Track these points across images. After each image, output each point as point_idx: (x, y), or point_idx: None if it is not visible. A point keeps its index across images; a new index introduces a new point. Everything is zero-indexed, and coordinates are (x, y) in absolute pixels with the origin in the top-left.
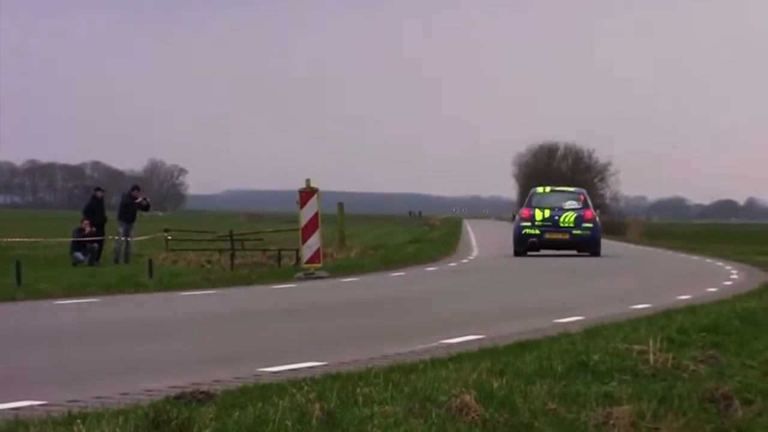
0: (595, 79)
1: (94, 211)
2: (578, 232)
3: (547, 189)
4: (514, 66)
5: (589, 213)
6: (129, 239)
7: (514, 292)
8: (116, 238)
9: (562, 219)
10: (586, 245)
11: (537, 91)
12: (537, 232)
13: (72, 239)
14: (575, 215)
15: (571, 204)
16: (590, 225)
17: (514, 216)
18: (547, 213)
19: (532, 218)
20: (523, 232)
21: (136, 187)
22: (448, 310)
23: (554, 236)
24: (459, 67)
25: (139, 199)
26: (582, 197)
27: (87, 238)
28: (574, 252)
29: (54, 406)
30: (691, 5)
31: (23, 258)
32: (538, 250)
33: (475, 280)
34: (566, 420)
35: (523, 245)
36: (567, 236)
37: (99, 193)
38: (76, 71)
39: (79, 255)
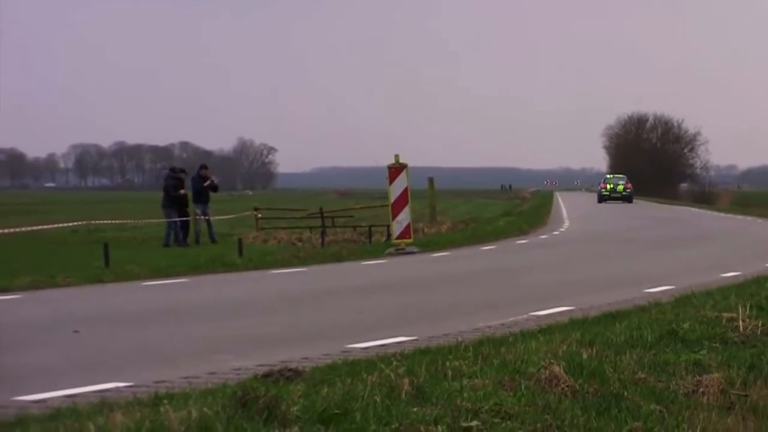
0: (683, 47)
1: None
2: (624, 193)
3: (609, 175)
4: (603, 37)
5: (629, 186)
6: (209, 218)
7: (604, 263)
8: (196, 218)
9: (617, 188)
10: (627, 199)
11: (626, 61)
12: (607, 193)
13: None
14: (623, 186)
15: (620, 182)
16: (629, 190)
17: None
18: (610, 186)
19: (606, 187)
20: (602, 194)
21: (203, 167)
22: (538, 283)
23: (614, 195)
24: (549, 40)
25: (207, 182)
26: (625, 178)
27: (175, 219)
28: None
29: (141, 387)
30: None
31: (111, 240)
32: (606, 201)
33: (566, 251)
34: (656, 389)
35: (602, 199)
36: (619, 195)
37: (182, 174)
38: (163, 53)
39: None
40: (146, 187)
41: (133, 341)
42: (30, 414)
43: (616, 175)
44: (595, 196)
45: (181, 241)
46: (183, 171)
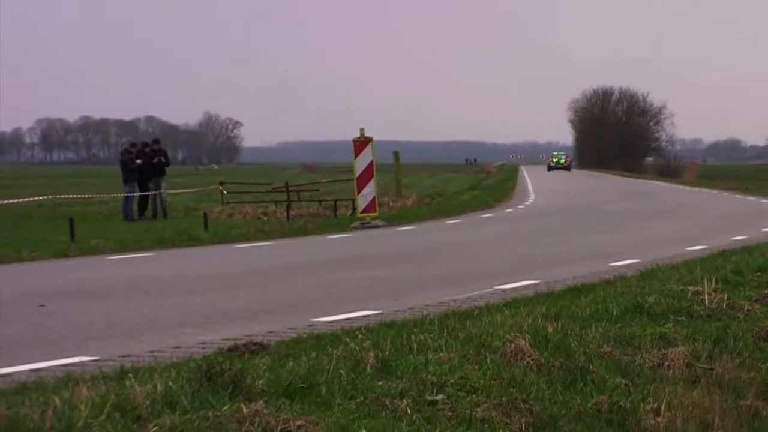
0: (650, 19)
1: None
2: (565, 164)
3: (555, 152)
4: (567, 9)
5: (569, 159)
6: (162, 192)
7: (570, 236)
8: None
9: (562, 161)
10: (567, 168)
11: (592, 33)
12: (554, 165)
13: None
14: (564, 159)
15: (562, 157)
16: (569, 162)
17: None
18: (555, 159)
19: (552, 161)
20: (550, 165)
21: (156, 141)
22: (503, 256)
23: (558, 166)
24: (512, 15)
25: (156, 159)
26: (566, 154)
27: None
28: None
29: (106, 361)
30: None
31: (77, 215)
32: (552, 170)
33: (531, 225)
34: (621, 362)
35: (550, 169)
36: (561, 166)
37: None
38: (131, 22)
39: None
40: (112, 161)
41: (99, 315)
42: None
43: (559, 153)
44: (562, 172)
45: (131, 214)
46: (135, 145)
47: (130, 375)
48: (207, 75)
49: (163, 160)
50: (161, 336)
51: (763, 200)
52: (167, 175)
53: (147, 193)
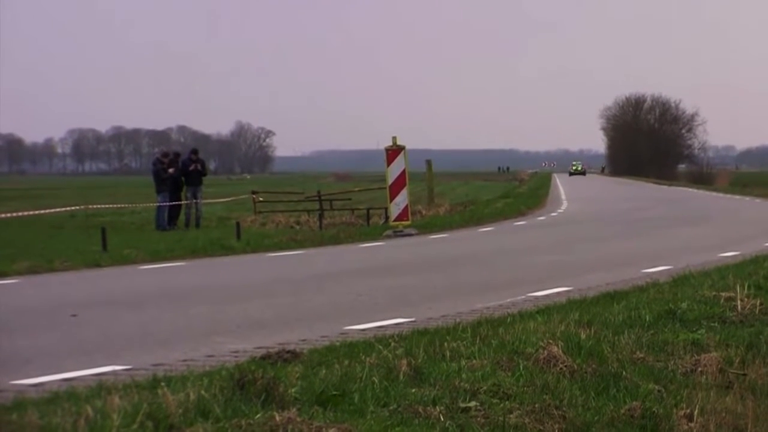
0: (681, 26)
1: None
2: (581, 170)
3: (574, 161)
4: (599, 17)
5: (584, 167)
6: (197, 201)
7: (603, 243)
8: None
9: (579, 168)
10: (582, 173)
11: (624, 42)
12: (573, 171)
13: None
14: (581, 167)
15: (579, 165)
16: (584, 168)
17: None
18: (574, 168)
19: (572, 168)
20: (570, 172)
21: (194, 151)
22: (536, 264)
23: (576, 172)
24: (542, 23)
25: (192, 166)
26: (581, 163)
27: (167, 203)
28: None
29: (139, 370)
30: None
31: (109, 225)
32: (572, 176)
33: (564, 232)
34: (654, 368)
35: (571, 175)
36: (579, 172)
37: (165, 159)
38: (156, 35)
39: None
40: (144, 171)
41: (131, 325)
42: (28, 398)
43: (577, 162)
44: (593, 178)
45: (164, 223)
46: (167, 155)
47: (163, 384)
48: (239, 84)
49: (200, 168)
50: (194, 345)
51: None
52: (203, 185)
53: (179, 203)
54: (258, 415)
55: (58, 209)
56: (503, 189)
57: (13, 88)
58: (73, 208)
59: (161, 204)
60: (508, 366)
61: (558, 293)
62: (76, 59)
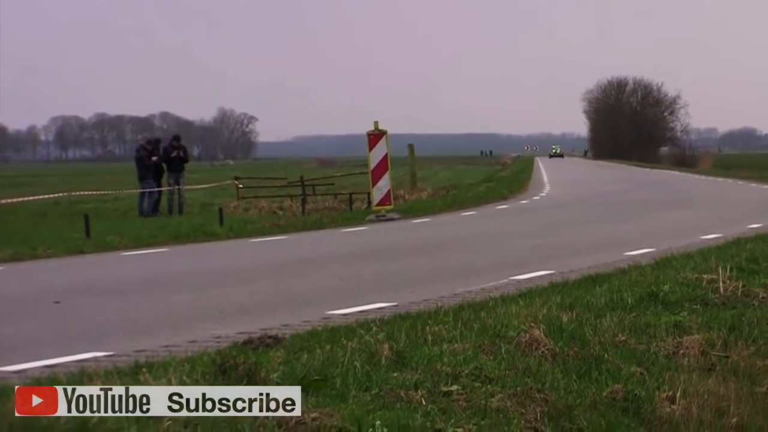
0: (663, 10)
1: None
2: (560, 153)
3: (553, 145)
4: (580, 1)
5: (562, 149)
6: (180, 188)
7: (585, 226)
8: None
9: (558, 151)
10: (560, 156)
11: (606, 26)
12: (552, 154)
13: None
14: (560, 150)
15: (558, 148)
16: (561, 151)
17: (550, 151)
18: (554, 150)
19: (552, 151)
20: (550, 154)
21: (176, 137)
22: (518, 247)
23: (555, 155)
24: (522, 7)
25: (174, 153)
26: (560, 147)
27: (149, 189)
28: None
29: (120, 356)
30: None
31: (92, 212)
32: (551, 158)
33: (546, 216)
34: (636, 351)
35: (551, 157)
36: (558, 154)
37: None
38: (140, 21)
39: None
40: (127, 158)
41: (114, 311)
42: (10, 384)
43: (555, 145)
44: (578, 160)
45: (147, 210)
46: (151, 142)
47: (144, 370)
48: (221, 70)
49: (182, 154)
50: (176, 331)
51: None
52: (185, 171)
53: (161, 189)
54: None
55: (41, 196)
56: (486, 173)
57: None
58: (56, 195)
59: (143, 191)
60: (490, 350)
61: (540, 276)
62: (59, 46)
